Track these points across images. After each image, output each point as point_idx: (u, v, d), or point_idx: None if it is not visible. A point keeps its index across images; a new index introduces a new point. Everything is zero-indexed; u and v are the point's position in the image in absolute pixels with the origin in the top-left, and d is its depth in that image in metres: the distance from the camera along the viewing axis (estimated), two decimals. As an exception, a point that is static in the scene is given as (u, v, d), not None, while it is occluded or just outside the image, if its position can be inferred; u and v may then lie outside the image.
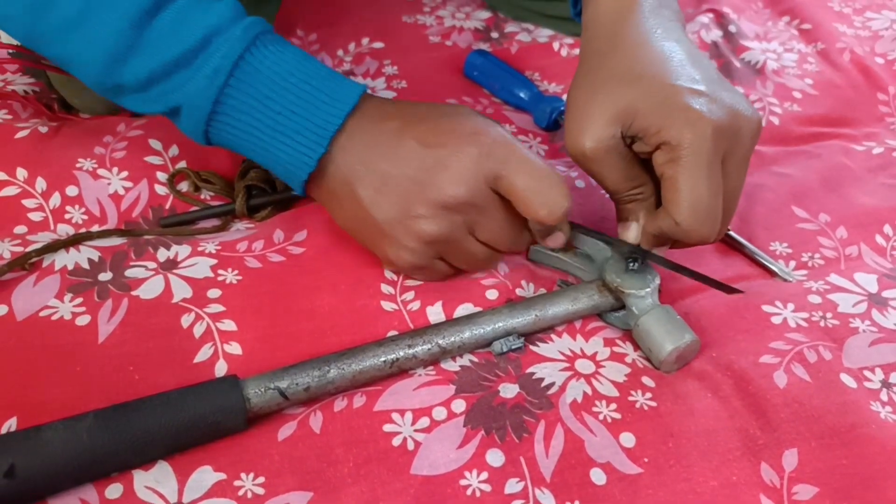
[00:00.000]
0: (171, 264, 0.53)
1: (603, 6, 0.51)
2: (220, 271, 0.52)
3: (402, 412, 0.45)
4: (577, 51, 0.78)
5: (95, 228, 0.55)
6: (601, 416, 0.46)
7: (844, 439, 0.45)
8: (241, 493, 0.41)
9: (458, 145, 0.47)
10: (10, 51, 0.65)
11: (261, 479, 0.42)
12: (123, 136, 0.61)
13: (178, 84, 0.46)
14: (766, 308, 0.53)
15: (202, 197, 0.60)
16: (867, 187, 0.65)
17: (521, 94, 0.72)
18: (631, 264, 0.50)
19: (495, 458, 0.43)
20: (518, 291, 0.53)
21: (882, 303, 0.54)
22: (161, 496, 0.41)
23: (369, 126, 0.48)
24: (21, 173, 0.57)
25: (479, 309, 0.51)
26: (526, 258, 0.56)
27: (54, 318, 0.48)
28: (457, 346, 0.48)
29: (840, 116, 0.73)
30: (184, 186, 0.60)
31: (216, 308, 0.50)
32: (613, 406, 0.46)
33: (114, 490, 0.41)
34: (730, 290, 0.53)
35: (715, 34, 0.81)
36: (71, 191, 0.57)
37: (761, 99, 0.74)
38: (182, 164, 0.61)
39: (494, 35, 0.81)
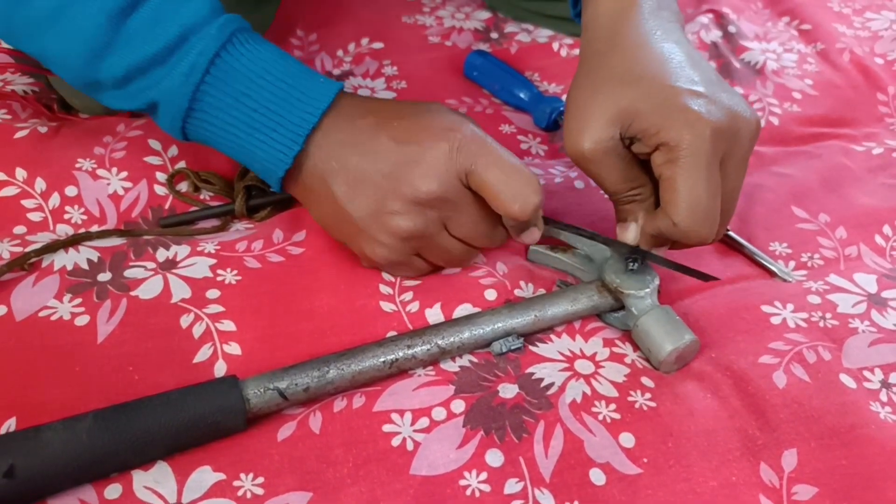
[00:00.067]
0: (170, 264, 0.53)
1: (602, 7, 0.51)
2: (220, 271, 0.52)
3: (401, 412, 0.45)
4: (576, 51, 0.78)
5: (95, 229, 0.55)
6: (601, 417, 0.46)
7: (844, 439, 0.45)
8: (240, 493, 0.41)
9: (431, 141, 0.47)
10: (15, 56, 0.65)
11: (260, 480, 0.42)
12: (123, 137, 0.61)
13: (155, 81, 0.47)
14: (766, 308, 0.53)
15: (201, 197, 0.60)
16: (867, 187, 0.65)
17: (521, 95, 0.72)
18: (631, 265, 0.50)
19: (495, 458, 0.43)
20: (517, 292, 0.53)
21: (881, 303, 0.54)
22: (160, 496, 0.41)
23: (344, 124, 0.48)
24: (20, 173, 0.57)
25: (478, 309, 0.51)
26: (525, 258, 0.56)
27: (53, 318, 0.48)
28: (456, 346, 0.48)
29: (840, 117, 0.73)
30: (183, 187, 0.60)
31: (215, 308, 0.50)
32: (613, 406, 0.46)
33: (113, 490, 0.41)
34: (705, 277, 0.53)
35: (715, 34, 0.81)
36: (70, 191, 0.57)
37: (761, 99, 0.74)
38: (181, 165, 0.61)
39: (494, 35, 0.81)
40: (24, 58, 0.65)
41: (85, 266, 0.52)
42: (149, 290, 0.51)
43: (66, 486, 0.40)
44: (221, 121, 0.48)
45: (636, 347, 0.50)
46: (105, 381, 0.46)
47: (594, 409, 0.46)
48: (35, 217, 0.56)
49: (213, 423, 0.42)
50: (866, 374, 0.49)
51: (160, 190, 0.59)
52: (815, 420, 0.46)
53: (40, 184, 0.57)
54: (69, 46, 0.46)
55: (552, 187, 0.62)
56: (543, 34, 0.81)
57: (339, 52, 0.77)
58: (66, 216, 0.56)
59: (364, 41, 0.78)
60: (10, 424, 0.43)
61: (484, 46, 0.79)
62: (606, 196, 0.50)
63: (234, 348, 0.48)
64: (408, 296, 0.52)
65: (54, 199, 0.57)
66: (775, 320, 0.52)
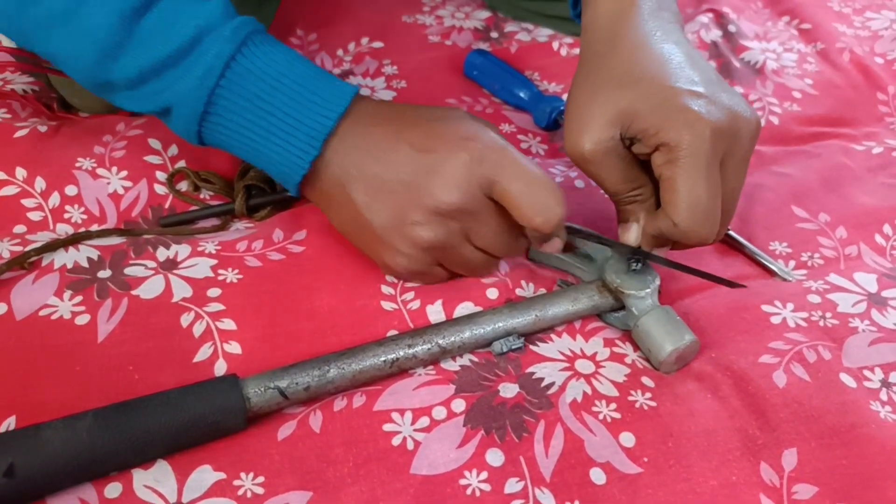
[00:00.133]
0: (171, 264, 0.53)
1: (602, 8, 0.51)
2: (221, 271, 0.52)
3: (401, 412, 0.45)
4: (576, 50, 0.78)
5: (95, 228, 0.55)
6: (601, 416, 0.46)
7: (844, 439, 0.45)
8: (240, 492, 0.41)
9: (450, 151, 0.46)
10: (15, 55, 0.65)
11: (260, 479, 0.42)
12: (123, 136, 0.61)
13: (169, 83, 0.46)
14: (766, 308, 0.53)
15: (201, 196, 0.60)
16: (867, 187, 0.65)
17: (521, 94, 0.72)
18: (633, 265, 0.50)
19: (495, 457, 0.43)
20: (518, 291, 0.53)
21: (881, 302, 0.54)
22: (160, 495, 0.41)
23: (362, 129, 0.48)
24: (20, 173, 0.57)
25: (479, 308, 0.51)
26: (526, 258, 0.56)
27: (54, 317, 0.48)
28: (457, 345, 0.48)
29: (840, 116, 0.73)
30: (183, 186, 0.60)
31: (216, 307, 0.50)
32: (613, 406, 0.46)
33: (113, 489, 0.41)
34: (732, 284, 0.53)
35: (714, 34, 0.81)
36: (70, 190, 0.57)
37: (761, 99, 0.74)
38: (181, 164, 0.61)
39: (494, 35, 0.81)
40: (24, 55, 0.64)
41: (85, 264, 0.52)
42: (150, 289, 0.51)
43: (66, 484, 0.40)
44: (237, 124, 0.47)
45: (636, 347, 0.50)
46: (105, 381, 0.46)
47: (594, 409, 0.46)
48: (35, 216, 0.55)
49: (214, 422, 0.42)
50: (866, 373, 0.49)
51: (160, 189, 0.59)
52: (816, 419, 0.46)
53: (40, 183, 0.57)
54: (81, 46, 0.46)
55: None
56: (543, 33, 0.81)
57: (339, 52, 0.77)
58: (66, 215, 0.56)
59: (364, 40, 0.78)
60: (10, 423, 0.43)
61: (484, 46, 0.79)
62: (607, 196, 0.50)
63: (234, 347, 0.48)
64: (409, 295, 0.52)
65: (54, 199, 0.57)
66: (775, 320, 0.52)
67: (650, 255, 0.50)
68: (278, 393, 0.43)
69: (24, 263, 0.51)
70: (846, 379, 0.48)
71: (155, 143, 0.61)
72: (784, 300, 0.53)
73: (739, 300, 0.53)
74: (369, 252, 0.50)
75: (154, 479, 0.41)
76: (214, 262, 0.53)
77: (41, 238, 0.54)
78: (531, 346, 0.49)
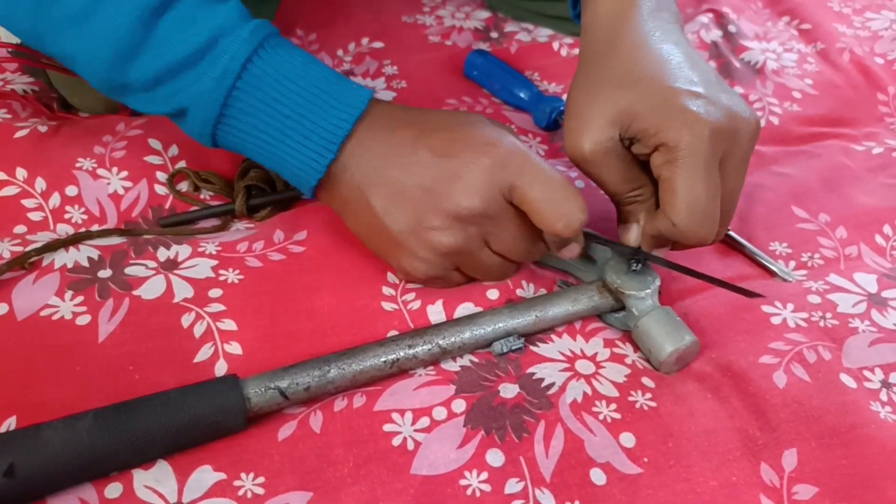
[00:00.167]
0: (171, 265, 0.53)
1: (602, 8, 0.51)
2: (222, 271, 0.52)
3: (402, 412, 0.45)
4: (576, 51, 0.78)
5: (95, 228, 0.55)
6: (601, 416, 0.46)
7: (844, 439, 0.45)
8: (240, 492, 0.41)
9: (472, 156, 0.46)
10: (10, 49, 0.65)
11: (261, 479, 0.42)
12: (123, 136, 0.61)
13: (185, 85, 0.46)
14: (766, 308, 0.53)
15: (202, 197, 0.60)
16: (867, 187, 0.65)
17: (521, 94, 0.72)
18: (633, 266, 0.50)
19: (495, 458, 0.43)
20: (518, 292, 0.53)
21: (881, 303, 0.54)
22: (161, 496, 0.41)
23: (381, 134, 0.47)
24: (20, 173, 0.57)
25: (479, 309, 0.51)
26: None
27: (55, 317, 0.48)
28: (457, 346, 0.48)
29: (840, 116, 0.73)
30: (183, 186, 0.60)
31: (216, 307, 0.50)
32: (613, 406, 0.46)
33: (113, 489, 0.41)
34: (750, 294, 0.52)
35: (714, 34, 0.81)
36: (70, 190, 0.57)
37: (761, 99, 0.74)
38: (182, 164, 0.61)
39: (494, 35, 0.81)
40: (23, 51, 0.64)
41: (85, 264, 0.52)
42: (151, 289, 0.51)
43: (67, 484, 0.40)
44: (253, 127, 0.47)
45: (637, 348, 0.50)
46: (106, 381, 0.46)
47: (595, 409, 0.46)
48: (35, 216, 0.56)
49: (214, 422, 0.42)
50: (866, 373, 0.49)
51: (160, 189, 0.59)
52: (816, 420, 0.46)
53: (40, 183, 0.57)
54: (97, 47, 0.45)
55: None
56: (543, 33, 0.81)
57: (340, 52, 0.77)
58: (67, 216, 0.56)
59: (364, 41, 0.78)
60: (10, 423, 0.43)
61: (484, 46, 0.79)
62: (607, 197, 0.50)
63: (234, 348, 0.48)
64: (410, 295, 0.52)
65: (54, 199, 0.57)
66: (775, 320, 0.52)
67: (650, 256, 0.50)
68: (278, 393, 0.43)
69: (25, 263, 0.51)
70: (846, 379, 0.48)
71: (155, 144, 0.61)
72: (784, 300, 0.53)
73: (739, 300, 0.53)
74: (386, 257, 0.50)
75: (154, 480, 0.41)
76: (215, 262, 0.53)
77: (41, 238, 0.54)
78: (531, 347, 0.50)
